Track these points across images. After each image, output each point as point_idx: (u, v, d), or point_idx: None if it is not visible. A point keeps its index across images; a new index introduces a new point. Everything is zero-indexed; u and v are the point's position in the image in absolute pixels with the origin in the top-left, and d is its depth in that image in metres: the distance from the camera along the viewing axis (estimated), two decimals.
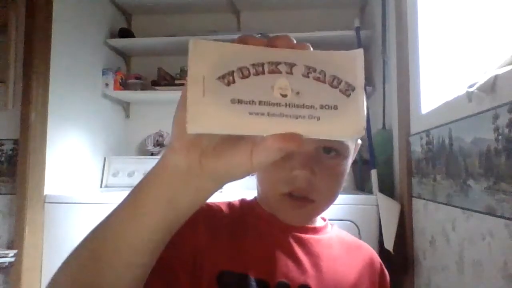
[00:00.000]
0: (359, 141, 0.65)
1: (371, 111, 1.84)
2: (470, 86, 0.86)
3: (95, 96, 2.12)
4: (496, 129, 0.78)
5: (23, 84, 1.65)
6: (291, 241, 0.60)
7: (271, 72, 0.31)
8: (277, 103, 0.31)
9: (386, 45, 1.74)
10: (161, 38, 2.22)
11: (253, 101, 0.30)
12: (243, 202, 0.67)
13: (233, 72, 0.31)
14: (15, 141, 1.65)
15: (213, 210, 0.62)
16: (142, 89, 2.25)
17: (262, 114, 0.30)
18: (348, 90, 0.32)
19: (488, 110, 0.81)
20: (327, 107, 0.31)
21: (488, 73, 0.82)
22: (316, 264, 0.59)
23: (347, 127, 0.31)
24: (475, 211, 0.88)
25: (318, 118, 0.31)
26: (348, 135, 0.32)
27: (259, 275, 0.55)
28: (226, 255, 0.56)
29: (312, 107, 0.31)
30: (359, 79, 0.32)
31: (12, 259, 1.55)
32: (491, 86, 0.79)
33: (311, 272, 0.58)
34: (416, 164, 1.32)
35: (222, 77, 0.31)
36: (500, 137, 0.76)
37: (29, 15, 1.67)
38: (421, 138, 1.25)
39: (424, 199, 1.25)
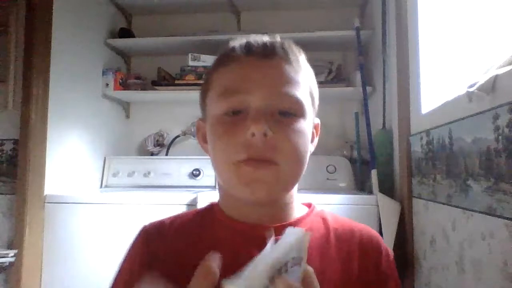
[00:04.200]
0: (318, 120, 0.63)
1: (371, 111, 1.84)
2: (470, 86, 0.86)
3: (95, 96, 2.12)
4: (496, 129, 0.78)
5: (23, 84, 1.65)
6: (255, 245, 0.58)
7: None
8: None
9: (386, 45, 1.74)
10: (161, 38, 2.22)
11: None
12: (205, 210, 0.63)
13: None
14: (15, 141, 1.65)
15: (149, 252, 0.59)
16: (142, 89, 2.25)
17: None
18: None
19: (488, 110, 0.81)
20: None
21: (488, 73, 0.82)
22: None
23: None
24: (475, 211, 0.88)
25: None
26: None
27: None
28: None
29: None
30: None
31: (12, 259, 1.55)
32: (491, 86, 0.79)
33: None
34: (416, 164, 1.32)
35: None
36: (500, 137, 0.76)
37: (29, 15, 1.67)
38: (421, 138, 1.25)
39: (424, 199, 1.25)
